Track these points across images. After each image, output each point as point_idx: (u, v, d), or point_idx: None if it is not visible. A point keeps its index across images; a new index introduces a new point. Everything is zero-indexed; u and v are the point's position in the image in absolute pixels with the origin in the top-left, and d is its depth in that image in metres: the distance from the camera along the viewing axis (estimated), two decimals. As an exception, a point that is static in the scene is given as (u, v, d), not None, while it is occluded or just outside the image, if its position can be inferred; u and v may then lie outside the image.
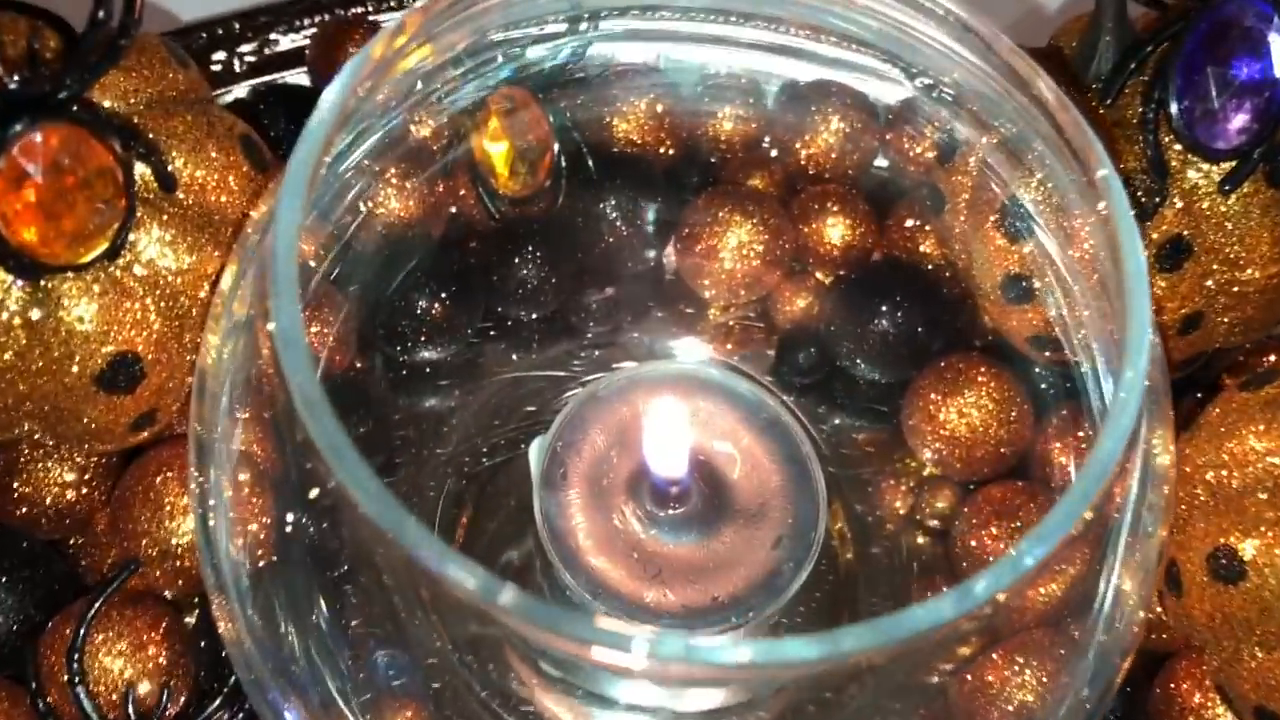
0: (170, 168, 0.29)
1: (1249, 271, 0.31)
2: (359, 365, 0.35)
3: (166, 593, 0.32)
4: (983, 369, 0.35)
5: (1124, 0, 0.31)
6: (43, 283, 0.28)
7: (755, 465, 0.33)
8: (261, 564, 0.28)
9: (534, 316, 0.38)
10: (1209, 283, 0.32)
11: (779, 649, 0.22)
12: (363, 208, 0.35)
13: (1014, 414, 0.35)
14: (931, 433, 0.35)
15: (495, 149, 0.36)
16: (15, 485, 0.32)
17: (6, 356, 0.28)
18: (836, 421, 0.37)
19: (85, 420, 0.30)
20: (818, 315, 0.38)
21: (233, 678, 0.31)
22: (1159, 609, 0.32)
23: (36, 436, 0.30)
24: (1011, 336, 0.34)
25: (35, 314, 0.28)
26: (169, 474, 0.31)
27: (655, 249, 0.39)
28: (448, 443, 0.36)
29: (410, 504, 0.35)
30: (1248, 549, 0.28)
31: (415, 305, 0.35)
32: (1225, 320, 0.32)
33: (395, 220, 0.35)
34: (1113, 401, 0.22)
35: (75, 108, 0.26)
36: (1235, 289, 0.32)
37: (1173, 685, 0.32)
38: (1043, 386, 0.35)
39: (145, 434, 0.31)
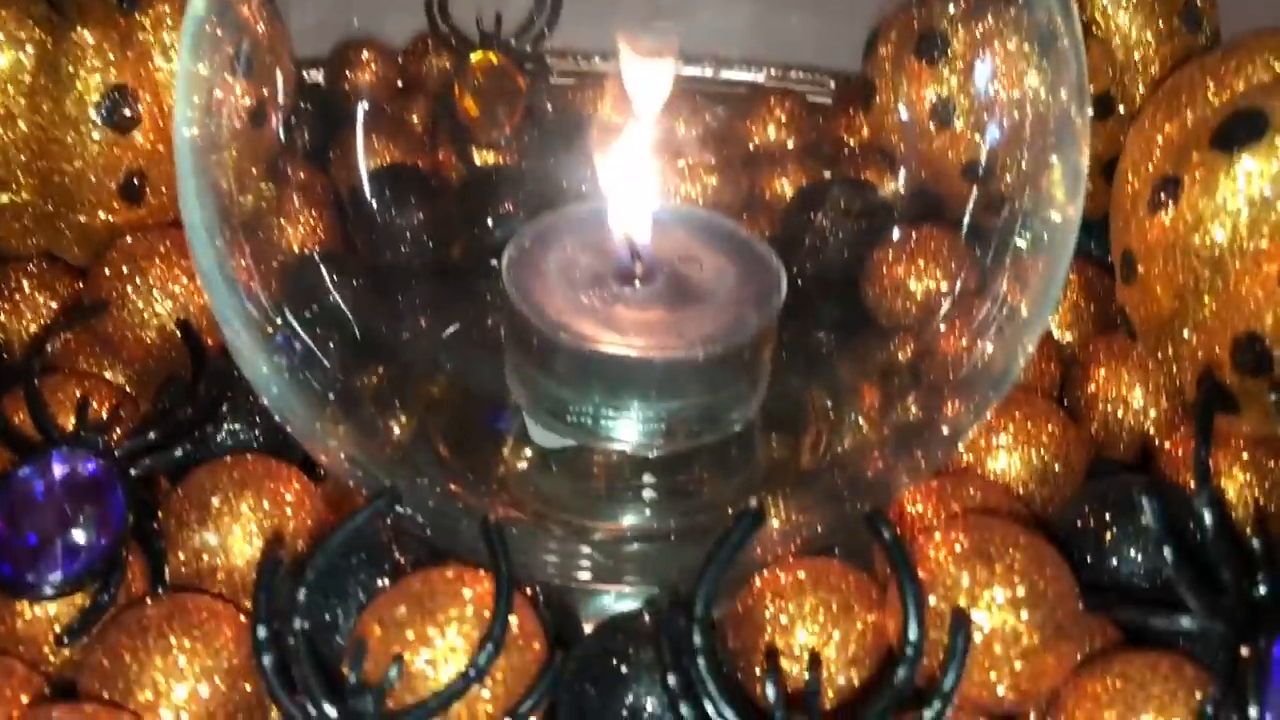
0: None
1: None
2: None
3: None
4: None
5: None
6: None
7: (716, 261, 0.34)
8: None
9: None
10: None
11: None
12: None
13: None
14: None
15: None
16: None
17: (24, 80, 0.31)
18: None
19: (80, 165, 0.31)
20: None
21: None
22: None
23: (30, 206, 0.32)
24: (947, 174, 0.36)
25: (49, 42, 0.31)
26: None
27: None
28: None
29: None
30: (1183, 178, 0.29)
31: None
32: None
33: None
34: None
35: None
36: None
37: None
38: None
39: (129, 212, 0.33)
